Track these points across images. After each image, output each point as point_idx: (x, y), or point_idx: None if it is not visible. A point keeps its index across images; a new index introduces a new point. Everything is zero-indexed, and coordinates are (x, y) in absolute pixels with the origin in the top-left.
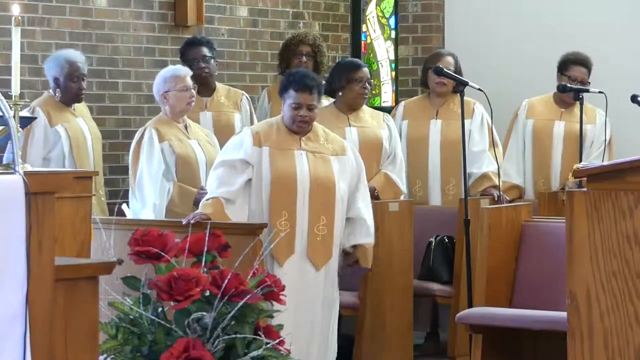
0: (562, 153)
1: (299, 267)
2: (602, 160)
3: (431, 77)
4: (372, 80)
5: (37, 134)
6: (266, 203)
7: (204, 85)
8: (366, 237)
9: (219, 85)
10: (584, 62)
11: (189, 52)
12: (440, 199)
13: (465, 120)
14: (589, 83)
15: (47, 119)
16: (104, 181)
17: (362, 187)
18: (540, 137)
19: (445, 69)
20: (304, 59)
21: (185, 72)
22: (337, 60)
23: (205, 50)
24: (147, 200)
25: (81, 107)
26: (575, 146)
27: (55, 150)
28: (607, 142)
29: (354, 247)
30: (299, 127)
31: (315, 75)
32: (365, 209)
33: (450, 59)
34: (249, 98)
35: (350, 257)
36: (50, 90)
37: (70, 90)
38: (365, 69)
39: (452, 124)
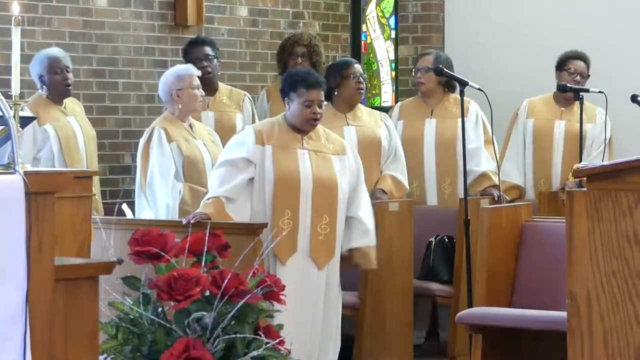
0: (562, 152)
1: (302, 266)
2: (602, 160)
3: (414, 77)
4: (365, 76)
5: (25, 133)
6: (269, 202)
7: (207, 85)
8: (362, 238)
9: (221, 85)
10: (581, 57)
11: (192, 51)
12: (437, 198)
13: (459, 119)
14: (589, 76)
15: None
16: (104, 181)
17: (360, 188)
18: (541, 136)
19: (445, 69)
20: (300, 59)
21: (196, 71)
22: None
23: (209, 50)
24: (159, 200)
25: (73, 106)
26: (576, 145)
27: (45, 150)
28: (607, 141)
29: (350, 250)
30: (312, 124)
31: (318, 73)
32: (362, 209)
33: (429, 58)
34: (251, 99)
35: (347, 262)
36: (39, 90)
37: (55, 84)
38: (357, 65)
39: (446, 123)
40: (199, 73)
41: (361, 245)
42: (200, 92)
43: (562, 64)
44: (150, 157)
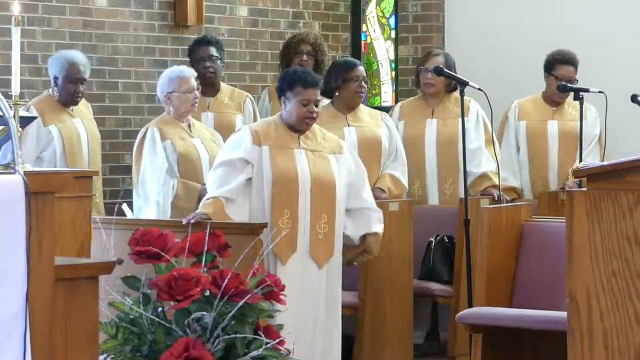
0: (557, 152)
1: (302, 266)
2: (598, 155)
3: (421, 77)
4: (367, 79)
5: (29, 133)
6: (268, 202)
7: (208, 85)
8: (377, 225)
9: (223, 86)
10: (570, 61)
11: (197, 51)
12: (438, 198)
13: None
14: (577, 81)
15: (41, 118)
16: (104, 181)
17: (365, 183)
18: (535, 137)
19: (445, 69)
20: (305, 57)
21: (191, 73)
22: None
23: (213, 50)
24: (150, 197)
25: (81, 107)
26: (570, 144)
27: (48, 150)
28: (598, 138)
29: (363, 236)
30: (308, 123)
31: (319, 73)
32: (372, 200)
33: (439, 59)
34: (253, 100)
35: (358, 248)
36: (50, 90)
37: (66, 91)
38: (361, 68)
39: (448, 123)
40: (194, 74)
41: (378, 231)
42: (194, 94)
43: (550, 67)
44: (142, 155)
